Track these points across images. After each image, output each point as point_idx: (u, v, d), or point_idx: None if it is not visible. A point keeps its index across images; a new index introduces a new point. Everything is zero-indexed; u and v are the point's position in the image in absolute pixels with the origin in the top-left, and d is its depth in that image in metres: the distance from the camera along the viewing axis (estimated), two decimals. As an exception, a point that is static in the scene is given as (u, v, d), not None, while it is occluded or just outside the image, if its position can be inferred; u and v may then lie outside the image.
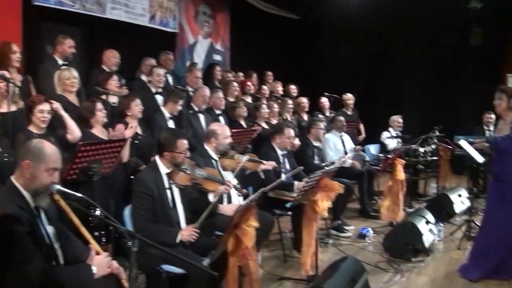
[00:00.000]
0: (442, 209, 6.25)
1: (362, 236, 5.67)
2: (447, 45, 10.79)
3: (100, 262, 2.68)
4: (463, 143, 5.56)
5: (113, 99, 5.13)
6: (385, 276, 4.57)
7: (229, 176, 4.38)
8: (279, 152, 5.28)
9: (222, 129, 4.46)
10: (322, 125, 6.15)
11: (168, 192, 3.62)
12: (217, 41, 9.15)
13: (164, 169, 3.63)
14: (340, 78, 11.12)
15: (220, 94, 6.07)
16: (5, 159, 3.68)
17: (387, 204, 5.84)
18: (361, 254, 5.15)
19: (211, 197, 3.88)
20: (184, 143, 3.64)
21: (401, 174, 5.78)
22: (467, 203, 6.53)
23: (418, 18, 10.75)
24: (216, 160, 4.38)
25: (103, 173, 4.05)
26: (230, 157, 4.45)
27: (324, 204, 4.08)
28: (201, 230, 4.10)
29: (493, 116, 8.19)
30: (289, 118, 7.32)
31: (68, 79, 4.77)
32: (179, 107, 5.30)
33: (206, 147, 4.42)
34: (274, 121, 6.79)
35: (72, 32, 5.94)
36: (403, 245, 4.94)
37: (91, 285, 2.61)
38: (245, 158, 4.53)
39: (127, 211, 3.64)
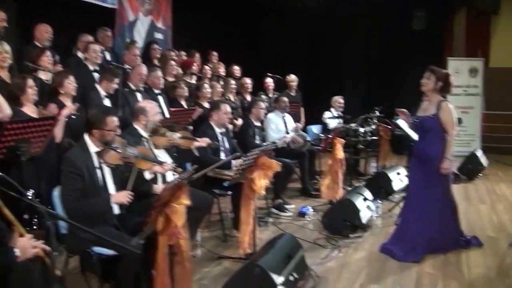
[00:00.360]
0: (381, 187, 6.41)
1: (302, 214, 5.73)
2: (389, 28, 11.03)
3: (24, 245, 2.55)
4: (401, 122, 5.70)
5: (47, 76, 4.94)
6: (323, 252, 4.63)
7: (162, 155, 4.31)
8: (217, 130, 5.20)
9: (150, 105, 4.34)
10: (263, 105, 6.12)
11: (98, 171, 3.50)
12: (158, 19, 8.85)
13: (93, 148, 3.50)
14: (284, 59, 11.14)
15: (159, 73, 5.91)
16: None
17: (327, 182, 5.90)
18: (300, 232, 5.21)
19: (147, 175, 3.80)
20: (113, 120, 3.51)
21: (340, 153, 5.85)
22: (406, 181, 6.71)
23: (361, 1, 10.88)
24: (146, 139, 4.27)
25: (32, 153, 3.88)
26: (162, 134, 4.33)
27: (261, 182, 4.07)
28: (136, 211, 4.05)
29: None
30: (232, 99, 7.26)
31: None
32: (115, 85, 5.11)
33: (135, 125, 4.28)
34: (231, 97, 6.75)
35: (6, 5, 5.61)
36: (341, 222, 5.02)
37: (14, 268, 2.50)
38: (177, 135, 4.44)
39: (56, 192, 3.51)
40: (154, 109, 4.31)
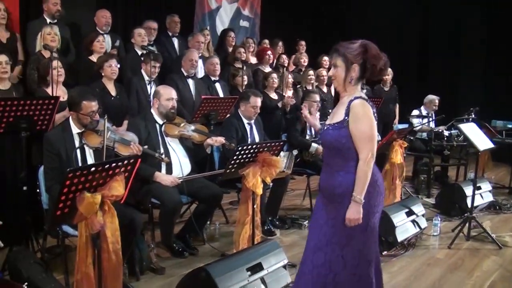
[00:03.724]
0: (454, 202, 5.54)
1: (347, 222, 5.15)
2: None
3: None
4: (465, 126, 4.83)
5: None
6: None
7: (174, 144, 4.19)
8: (245, 121, 4.82)
9: (165, 89, 4.21)
10: (316, 97, 5.59)
11: (78, 152, 3.49)
12: (245, 6, 8.64)
13: (75, 129, 3.52)
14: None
15: (215, 59, 5.74)
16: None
17: (383, 189, 5.22)
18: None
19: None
20: (91, 106, 3.47)
21: (397, 158, 5.12)
22: (488, 198, 5.72)
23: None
24: (160, 125, 4.16)
25: (38, 130, 3.90)
26: (176, 123, 4.19)
27: (257, 180, 3.69)
28: (136, 198, 3.99)
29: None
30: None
31: (49, 34, 4.78)
32: (154, 70, 5.05)
33: (152, 110, 4.21)
34: (289, 93, 6.43)
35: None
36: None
37: None
38: (191, 127, 4.24)
39: (41, 169, 3.58)
40: (168, 94, 4.17)
